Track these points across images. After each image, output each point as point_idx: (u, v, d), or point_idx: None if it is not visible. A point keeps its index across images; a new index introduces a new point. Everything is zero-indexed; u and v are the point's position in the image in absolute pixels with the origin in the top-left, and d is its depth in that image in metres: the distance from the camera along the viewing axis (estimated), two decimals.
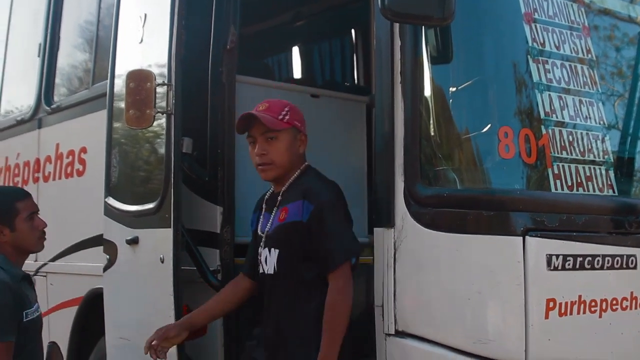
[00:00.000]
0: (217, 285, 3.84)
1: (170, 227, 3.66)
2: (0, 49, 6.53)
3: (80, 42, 5.68)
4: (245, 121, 3.32)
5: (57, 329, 5.12)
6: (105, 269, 4.23)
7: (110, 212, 4.21)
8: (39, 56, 5.66)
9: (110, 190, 4.25)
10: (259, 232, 3.42)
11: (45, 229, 3.72)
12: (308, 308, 3.21)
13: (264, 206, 3.47)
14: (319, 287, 3.19)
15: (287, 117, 3.34)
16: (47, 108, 5.47)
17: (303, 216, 3.21)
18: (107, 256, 4.23)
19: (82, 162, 4.97)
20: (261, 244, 3.37)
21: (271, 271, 3.31)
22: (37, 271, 5.38)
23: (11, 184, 5.87)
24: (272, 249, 3.31)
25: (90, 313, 4.65)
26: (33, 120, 5.65)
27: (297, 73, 7.05)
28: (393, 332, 3.21)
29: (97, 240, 4.40)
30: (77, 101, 5.16)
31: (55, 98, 5.52)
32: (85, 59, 5.55)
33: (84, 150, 4.96)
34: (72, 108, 5.20)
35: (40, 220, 3.69)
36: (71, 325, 4.92)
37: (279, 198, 3.35)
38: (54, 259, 5.18)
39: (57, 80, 5.62)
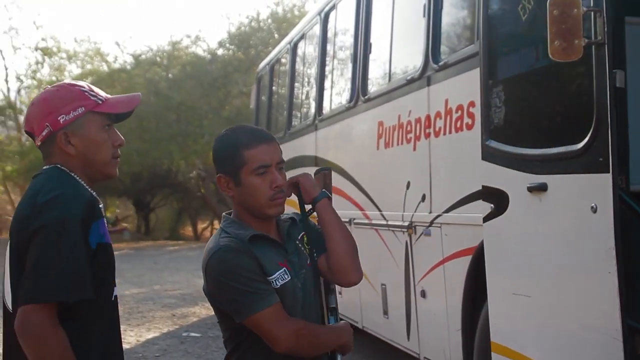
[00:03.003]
0: None
1: (605, 173, 3.38)
2: (388, 14, 6.88)
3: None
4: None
5: (452, 277, 5.36)
6: (490, 217, 4.25)
7: (495, 157, 4.19)
8: (424, 16, 5.85)
9: (493, 133, 4.23)
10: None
11: (284, 189, 2.84)
12: None
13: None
14: None
15: None
16: (435, 65, 5.64)
17: None
18: (491, 204, 4.26)
19: (471, 115, 5.05)
20: None
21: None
22: (431, 223, 5.64)
23: (404, 141, 6.17)
24: None
25: (484, 262, 4.76)
26: (422, 78, 5.87)
27: None
28: None
29: None
30: (463, 56, 5.26)
31: (442, 55, 5.67)
32: (467, 14, 5.65)
33: (472, 104, 5.03)
34: (459, 64, 5.30)
35: (276, 175, 2.80)
36: (465, 273, 5.11)
37: None
38: (447, 210, 5.39)
39: (442, 37, 5.78)
